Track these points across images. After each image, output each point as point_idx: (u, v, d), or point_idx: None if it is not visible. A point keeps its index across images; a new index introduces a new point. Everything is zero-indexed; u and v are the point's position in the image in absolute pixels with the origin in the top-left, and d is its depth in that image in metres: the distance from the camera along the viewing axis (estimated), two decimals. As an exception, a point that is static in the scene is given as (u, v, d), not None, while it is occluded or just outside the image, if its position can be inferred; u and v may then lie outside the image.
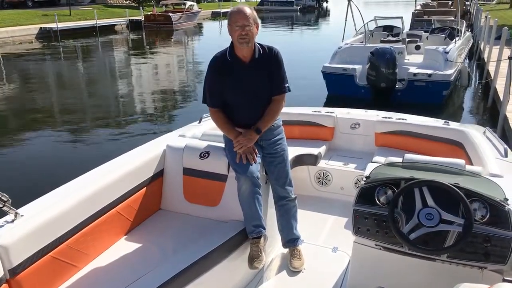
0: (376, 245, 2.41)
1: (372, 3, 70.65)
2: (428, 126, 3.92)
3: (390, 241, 2.32)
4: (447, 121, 4.00)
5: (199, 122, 3.84)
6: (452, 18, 15.25)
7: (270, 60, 2.74)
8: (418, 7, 22.07)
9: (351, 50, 10.37)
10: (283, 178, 2.93)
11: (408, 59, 10.32)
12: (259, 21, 2.74)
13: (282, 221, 3.08)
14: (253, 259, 2.68)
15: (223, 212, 2.93)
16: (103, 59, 18.12)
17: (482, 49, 14.27)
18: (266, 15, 44.56)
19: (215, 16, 42.69)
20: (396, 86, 9.10)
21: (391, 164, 2.57)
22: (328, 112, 4.42)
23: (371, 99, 9.15)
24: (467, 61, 13.19)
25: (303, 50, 18.70)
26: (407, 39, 11.91)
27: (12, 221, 2.17)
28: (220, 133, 2.94)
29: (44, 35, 24.08)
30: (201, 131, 3.36)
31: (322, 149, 4.14)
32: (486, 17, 14.64)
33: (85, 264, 2.47)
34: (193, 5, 34.51)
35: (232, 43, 2.71)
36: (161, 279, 2.17)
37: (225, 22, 2.69)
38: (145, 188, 2.96)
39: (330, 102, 9.62)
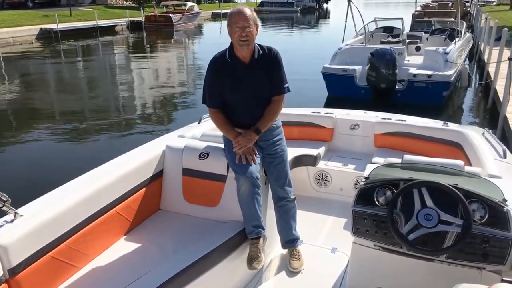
0: (375, 245, 2.41)
1: (372, 4, 70.73)
2: (427, 127, 3.93)
3: (389, 241, 2.32)
4: (446, 122, 4.00)
5: (199, 123, 3.85)
6: (452, 19, 15.25)
7: (269, 61, 2.74)
8: (418, 8, 22.09)
9: (351, 51, 10.38)
10: (282, 179, 2.94)
11: (408, 60, 10.33)
12: (258, 22, 2.74)
13: (281, 222, 3.08)
14: (252, 259, 2.69)
15: (223, 212, 2.94)
16: (103, 59, 18.14)
17: (482, 50, 14.28)
18: (266, 16, 44.59)
19: (216, 17, 42.74)
20: (396, 87, 9.10)
21: (390, 165, 2.58)
22: (327, 113, 4.43)
23: (371, 99, 9.16)
24: (467, 62, 13.20)
25: (303, 51, 18.71)
26: (407, 40, 11.92)
27: (12, 221, 2.17)
28: (220, 133, 2.94)
29: (45, 36, 24.09)
30: (201, 132, 3.36)
31: (321, 150, 4.14)
32: (486, 18, 14.64)
33: (84, 264, 2.48)
34: (194, 6, 34.55)
35: (231, 43, 2.71)
36: (161, 279, 2.17)
37: (225, 23, 2.70)
38: (145, 188, 2.96)
39: (330, 102, 9.62)
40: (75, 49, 20.82)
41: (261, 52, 2.73)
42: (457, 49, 10.22)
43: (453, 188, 2.15)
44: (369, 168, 2.70)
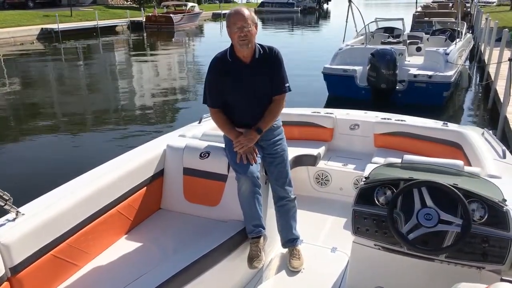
0: (375, 245, 2.42)
1: (372, 5, 70.74)
2: (427, 127, 3.94)
3: (389, 241, 2.33)
4: (445, 122, 4.01)
5: (199, 122, 3.86)
6: (452, 19, 15.25)
7: (270, 60, 2.75)
8: (419, 9, 22.08)
9: (352, 51, 10.39)
10: (282, 178, 2.95)
11: (409, 61, 10.34)
12: (257, 21, 2.75)
13: (281, 221, 3.09)
14: (253, 258, 2.70)
15: (223, 212, 2.95)
16: (104, 60, 18.15)
17: (482, 51, 14.28)
18: (267, 16, 44.60)
19: (216, 17, 42.75)
20: (397, 87, 9.11)
21: (390, 165, 2.58)
22: (327, 113, 4.43)
23: (371, 100, 9.16)
24: (467, 62, 13.20)
25: (304, 51, 18.73)
26: (407, 41, 11.93)
27: (14, 219, 2.18)
28: (220, 133, 2.95)
29: (45, 36, 24.11)
30: (201, 131, 3.37)
31: (321, 150, 4.15)
32: (486, 19, 14.64)
33: (85, 263, 2.49)
34: (194, 6, 34.56)
35: (232, 44, 2.72)
36: (161, 278, 2.18)
37: (225, 23, 2.71)
38: (146, 187, 2.97)
39: (331, 103, 9.63)
40: (75, 49, 20.83)
41: (261, 52, 2.74)
42: (458, 49, 10.22)
43: (453, 188, 2.16)
44: (369, 168, 2.71)
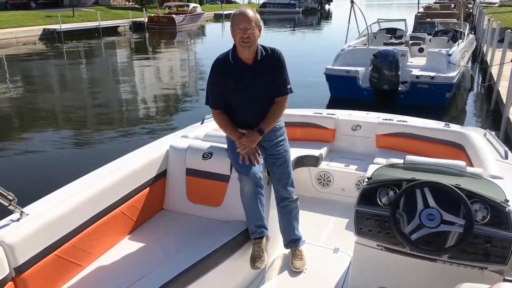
0: (377, 245, 2.42)
1: (374, 6, 70.69)
2: (429, 128, 3.94)
3: (391, 241, 2.33)
4: (447, 123, 4.01)
5: (202, 123, 3.87)
6: (455, 20, 15.24)
7: (272, 62, 2.76)
8: (421, 10, 22.08)
9: (354, 52, 10.39)
10: (285, 179, 2.95)
11: (411, 62, 10.33)
12: (261, 23, 2.76)
13: (284, 222, 3.09)
14: (255, 259, 2.70)
15: (226, 212, 2.96)
16: (106, 60, 18.20)
17: (485, 52, 14.26)
18: (268, 17, 44.58)
19: (218, 18, 42.74)
20: (399, 88, 9.10)
21: (392, 166, 2.59)
22: (329, 114, 4.44)
23: (373, 101, 9.17)
24: (470, 63, 13.18)
25: (306, 52, 18.72)
26: (410, 42, 11.92)
27: (18, 220, 2.19)
28: (223, 134, 2.96)
29: (48, 36, 24.18)
30: (204, 132, 3.38)
31: (323, 151, 4.16)
32: (488, 19, 14.63)
33: (89, 263, 2.50)
34: (197, 7, 34.57)
35: (234, 45, 2.73)
36: (164, 278, 2.19)
37: (227, 24, 2.71)
38: (148, 188, 2.98)
39: (333, 104, 9.63)
40: (78, 49, 20.88)
41: (264, 53, 2.75)
42: (460, 50, 10.21)
43: (456, 189, 2.16)
44: (372, 168, 2.72)
